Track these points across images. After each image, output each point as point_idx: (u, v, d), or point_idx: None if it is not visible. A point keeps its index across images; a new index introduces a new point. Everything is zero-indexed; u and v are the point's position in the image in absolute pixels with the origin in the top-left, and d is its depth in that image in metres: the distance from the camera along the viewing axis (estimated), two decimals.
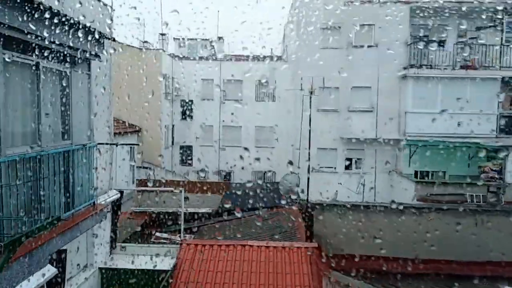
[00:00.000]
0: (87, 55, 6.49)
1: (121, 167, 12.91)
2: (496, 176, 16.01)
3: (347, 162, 19.04)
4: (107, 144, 8.52)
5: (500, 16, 16.51)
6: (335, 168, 18.84)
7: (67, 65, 6.23)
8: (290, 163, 17.60)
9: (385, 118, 17.65)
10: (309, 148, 15.57)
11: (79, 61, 6.53)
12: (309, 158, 14.92)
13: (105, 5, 6.97)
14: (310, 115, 15.72)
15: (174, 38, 24.55)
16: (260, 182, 20.93)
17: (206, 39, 25.26)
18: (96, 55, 6.77)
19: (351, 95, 18.35)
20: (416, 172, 17.37)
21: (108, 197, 8.22)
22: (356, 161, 19.02)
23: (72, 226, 6.00)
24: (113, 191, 8.74)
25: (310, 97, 16.28)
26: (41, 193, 5.19)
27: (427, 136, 16.15)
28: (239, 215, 12.08)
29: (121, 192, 9.28)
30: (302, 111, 17.35)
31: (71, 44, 5.76)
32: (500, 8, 16.00)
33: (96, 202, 7.03)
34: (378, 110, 18.07)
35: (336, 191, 15.85)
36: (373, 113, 18.22)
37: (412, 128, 17.04)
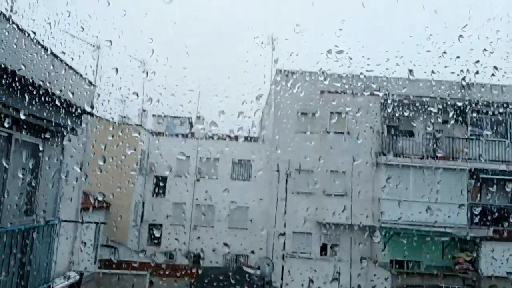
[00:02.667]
0: (63, 129, 6.35)
1: (83, 246, 12.09)
2: (470, 267, 15.86)
3: (323, 248, 18.59)
4: (71, 222, 8.04)
5: (464, 111, 17.68)
6: (310, 254, 18.32)
7: (41, 138, 6.03)
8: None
9: (359, 204, 17.71)
10: (285, 234, 15.20)
11: (54, 135, 6.35)
12: (284, 246, 14.46)
13: (89, 82, 7.01)
14: (286, 197, 15.60)
15: (153, 115, 24.87)
16: (232, 266, 19.96)
17: (185, 117, 25.70)
18: (73, 130, 6.63)
19: (326, 179, 18.54)
20: (391, 261, 17.05)
21: (66, 280, 7.55)
22: (331, 247, 18.61)
23: None
24: (72, 273, 8.06)
25: (286, 180, 16.31)
26: None
27: (400, 224, 16.15)
28: None
29: (81, 274, 8.58)
30: (278, 192, 17.25)
31: (48, 118, 5.63)
32: (461, 104, 17.21)
33: (52, 287, 6.40)
34: (353, 195, 18.19)
35: (311, 281, 15.21)
36: (348, 198, 18.30)
37: (386, 216, 17.09)
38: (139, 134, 20.53)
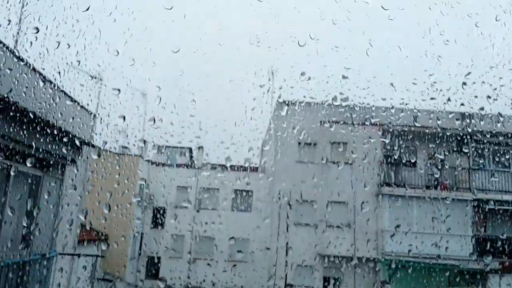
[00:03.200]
0: (63, 160, 6.28)
1: (79, 280, 11.75)
2: None
3: (325, 281, 18.09)
4: (68, 254, 7.84)
5: (466, 142, 17.67)
6: (312, 287, 17.81)
7: (40, 169, 5.95)
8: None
9: (362, 236, 17.37)
10: (286, 267, 14.83)
11: (54, 166, 6.28)
12: (285, 281, 14.06)
13: (90, 113, 7.02)
14: (287, 228, 15.33)
15: (154, 145, 24.87)
16: None
17: (185, 147, 25.68)
18: (73, 161, 6.57)
19: (327, 210, 18.30)
20: None
21: None
22: (334, 280, 18.11)
23: None
24: None
25: (287, 212, 16.09)
26: None
27: (405, 256, 15.79)
28: None
29: None
30: (279, 224, 16.98)
31: (48, 149, 5.58)
32: (463, 134, 17.21)
33: None
34: (356, 227, 17.89)
35: None
36: (350, 229, 17.99)
37: (390, 248, 16.73)
38: (139, 164, 20.44)
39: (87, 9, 3.62)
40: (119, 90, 5.63)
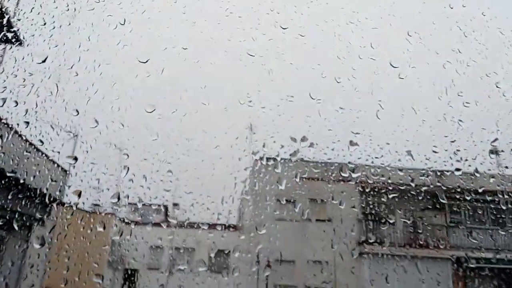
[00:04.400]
0: (31, 220, 5.92)
1: None
2: None
3: None
4: None
5: (443, 200, 17.88)
6: None
7: (5, 229, 5.57)
8: None
9: None
10: None
11: (20, 226, 5.90)
12: None
13: (62, 169, 6.77)
14: None
15: (128, 203, 24.13)
16: None
17: (160, 205, 24.99)
18: (41, 220, 6.20)
19: (308, 270, 17.75)
20: None
21: None
22: None
23: None
24: None
25: (267, 272, 15.51)
26: None
27: None
28: None
29: None
30: (258, 285, 16.27)
31: (14, 208, 5.26)
32: (439, 193, 17.47)
33: None
34: (337, 286, 17.32)
35: None
36: None
37: None
38: (111, 223, 19.63)
39: (44, 60, 3.37)
40: (75, 158, 5.28)
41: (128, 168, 3.98)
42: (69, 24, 3.74)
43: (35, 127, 3.96)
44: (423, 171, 17.75)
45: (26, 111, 3.33)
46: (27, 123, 3.49)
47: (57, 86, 3.35)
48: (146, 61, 3.61)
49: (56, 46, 3.71)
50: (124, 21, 3.72)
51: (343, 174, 4.66)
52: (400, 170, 16.69)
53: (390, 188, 17.49)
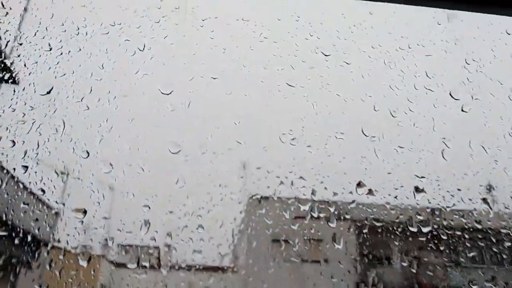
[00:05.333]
0: (17, 264, 5.70)
1: None
2: None
3: None
4: None
5: (439, 237, 17.61)
6: None
7: None
8: None
9: None
10: None
11: (5, 270, 5.68)
12: None
13: (51, 209, 6.61)
14: None
15: (118, 245, 23.47)
16: None
17: (152, 247, 24.27)
18: (27, 263, 5.98)
19: None
20: None
21: None
22: None
23: None
24: None
25: None
26: None
27: None
28: None
29: None
30: None
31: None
32: (434, 229, 17.24)
33: None
34: None
35: None
36: None
37: None
38: (101, 265, 18.95)
39: (49, 91, 2.88)
40: (85, 212, 4.81)
41: (150, 223, 3.17)
42: (80, 49, 3.21)
43: (35, 172, 3.37)
44: (419, 208, 17.52)
45: (25, 152, 2.79)
46: (26, 167, 3.08)
47: (64, 123, 2.81)
48: (170, 93, 3.01)
49: (64, 75, 3.14)
50: (144, 46, 3.18)
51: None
52: (392, 209, 16.49)
53: (386, 226, 17.18)
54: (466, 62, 3.52)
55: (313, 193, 3.30)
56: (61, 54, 2.99)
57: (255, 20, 3.36)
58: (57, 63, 2.96)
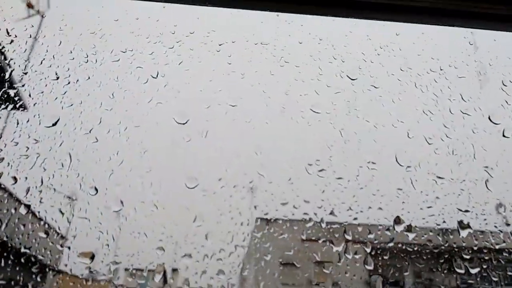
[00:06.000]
0: None
1: None
2: None
3: None
4: None
5: (450, 259, 17.18)
6: None
7: None
8: None
9: None
10: None
11: None
12: None
13: (58, 234, 6.44)
14: None
15: (125, 269, 23.12)
16: None
17: (161, 269, 23.89)
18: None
19: None
20: None
21: None
22: None
23: None
24: None
25: None
26: None
27: None
28: None
29: None
30: None
31: (5, 276, 4.88)
32: (447, 250, 16.81)
33: None
34: None
35: None
36: None
37: None
38: None
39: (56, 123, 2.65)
40: (92, 257, 4.55)
41: (165, 270, 2.86)
42: (88, 78, 3.01)
43: (38, 212, 3.17)
44: (430, 228, 17.16)
45: (28, 190, 2.58)
46: (28, 206, 2.90)
47: (71, 156, 2.59)
48: (185, 122, 2.75)
49: (71, 105, 2.89)
50: (157, 74, 2.97)
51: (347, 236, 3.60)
52: (435, 248, 16.06)
53: (398, 248, 16.80)
54: (503, 84, 3.29)
55: (345, 231, 3.01)
56: (69, 83, 2.82)
57: (274, 44, 3.16)
58: (64, 92, 2.77)
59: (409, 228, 3.07)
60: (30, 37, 3.17)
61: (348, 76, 2.98)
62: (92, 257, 3.04)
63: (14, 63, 2.90)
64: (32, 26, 3.10)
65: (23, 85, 3.02)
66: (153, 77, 2.81)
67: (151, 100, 2.86)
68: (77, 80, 2.88)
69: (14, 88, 3.01)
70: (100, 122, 2.81)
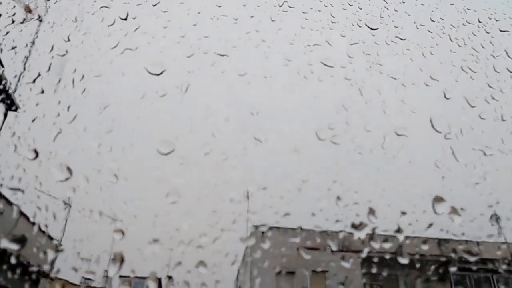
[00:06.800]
0: None
1: None
2: None
3: None
4: None
5: (446, 268, 17.21)
6: None
7: None
8: None
9: None
10: None
11: None
12: None
13: (52, 239, 6.48)
14: None
15: (119, 276, 22.96)
16: None
17: (154, 278, 23.72)
18: None
19: None
20: None
21: None
22: None
23: None
24: None
25: None
26: None
27: None
28: None
29: None
30: None
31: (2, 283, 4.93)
32: (443, 260, 16.82)
33: None
34: None
35: None
36: None
37: None
38: None
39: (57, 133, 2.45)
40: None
41: (160, 278, 2.58)
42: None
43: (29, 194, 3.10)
44: (425, 238, 17.18)
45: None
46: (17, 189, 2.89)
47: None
48: (160, 73, 2.39)
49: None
50: (127, 15, 2.78)
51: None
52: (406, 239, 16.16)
53: (392, 257, 16.79)
54: None
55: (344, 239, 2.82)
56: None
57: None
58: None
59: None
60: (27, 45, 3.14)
61: (367, 25, 2.58)
62: (122, 260, 2.70)
63: (14, 62, 2.81)
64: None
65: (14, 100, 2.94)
66: (122, 19, 2.46)
67: (117, 46, 2.46)
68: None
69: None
70: (49, 69, 2.44)
